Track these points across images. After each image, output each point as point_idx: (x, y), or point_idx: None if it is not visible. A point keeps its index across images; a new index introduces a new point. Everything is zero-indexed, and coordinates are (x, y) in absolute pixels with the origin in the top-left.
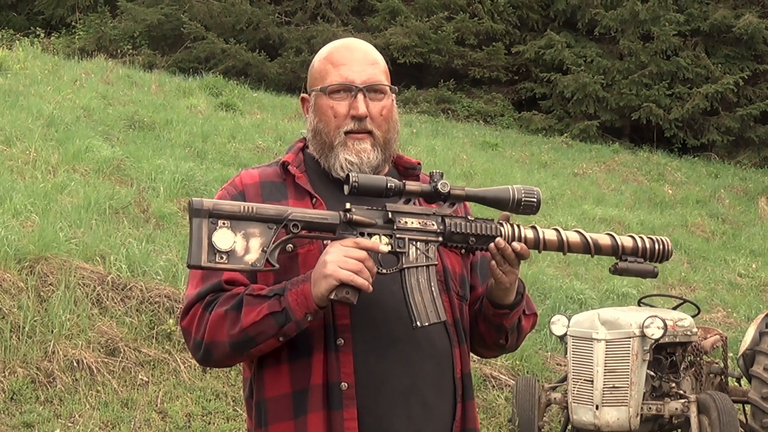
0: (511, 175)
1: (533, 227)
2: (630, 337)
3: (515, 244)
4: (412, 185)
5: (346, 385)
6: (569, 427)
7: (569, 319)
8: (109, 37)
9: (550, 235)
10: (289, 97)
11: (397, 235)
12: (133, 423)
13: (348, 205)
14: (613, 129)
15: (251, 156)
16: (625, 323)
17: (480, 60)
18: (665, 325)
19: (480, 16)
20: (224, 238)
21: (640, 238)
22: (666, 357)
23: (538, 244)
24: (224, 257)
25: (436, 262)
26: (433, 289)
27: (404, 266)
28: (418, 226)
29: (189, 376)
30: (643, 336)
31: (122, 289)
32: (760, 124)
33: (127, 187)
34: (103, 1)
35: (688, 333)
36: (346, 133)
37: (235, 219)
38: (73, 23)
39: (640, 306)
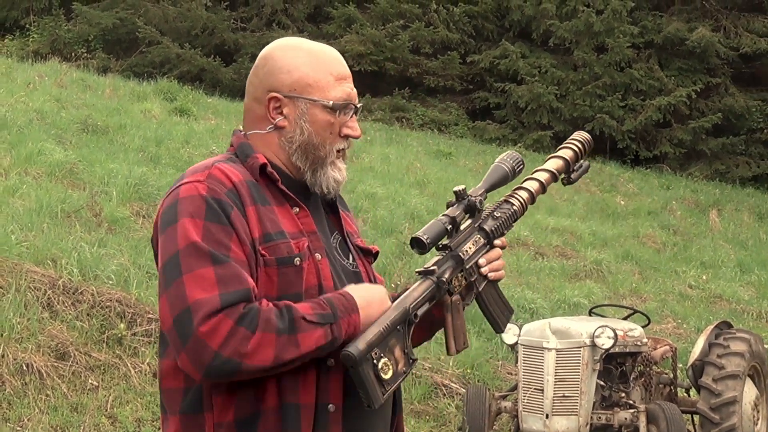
0: (465, 184)
1: (515, 196)
2: (580, 347)
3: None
4: (458, 215)
5: (333, 407)
6: None
7: (520, 328)
8: (64, 40)
9: (526, 195)
10: (243, 103)
11: (467, 267)
12: (82, 428)
13: (436, 270)
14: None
15: None
16: (575, 333)
17: (435, 69)
18: (615, 335)
19: (435, 25)
20: (386, 369)
21: (571, 143)
22: (616, 367)
23: (533, 201)
24: (391, 382)
25: (502, 274)
26: (500, 294)
27: (479, 290)
28: (474, 247)
29: (139, 381)
30: (593, 346)
31: (73, 293)
32: (711, 137)
33: (80, 190)
34: (57, 4)
35: (638, 343)
36: (338, 151)
37: (382, 342)
38: (27, 26)
39: (590, 316)
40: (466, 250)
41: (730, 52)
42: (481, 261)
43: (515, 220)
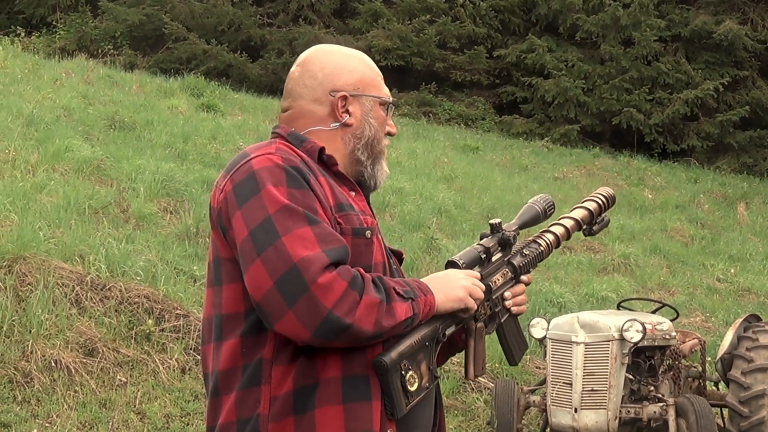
0: (492, 178)
1: (543, 238)
2: (609, 341)
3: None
4: (492, 246)
5: None
6: (548, 429)
7: (549, 322)
8: (90, 36)
9: (552, 238)
10: (270, 99)
11: (493, 297)
12: (111, 423)
13: None
14: (594, 133)
15: (232, 157)
16: (604, 326)
17: (461, 63)
18: (644, 328)
19: (462, 19)
20: (412, 381)
21: (596, 196)
22: (645, 360)
23: (558, 245)
24: (415, 395)
25: (525, 309)
26: (519, 329)
27: (501, 321)
28: (502, 279)
29: (168, 376)
30: (622, 339)
31: (101, 290)
32: (739, 130)
33: (107, 187)
34: (84, 1)
35: (667, 337)
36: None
37: (411, 355)
38: (53, 23)
39: (619, 309)
40: (495, 281)
41: (757, 44)
42: (507, 294)
43: (541, 260)
